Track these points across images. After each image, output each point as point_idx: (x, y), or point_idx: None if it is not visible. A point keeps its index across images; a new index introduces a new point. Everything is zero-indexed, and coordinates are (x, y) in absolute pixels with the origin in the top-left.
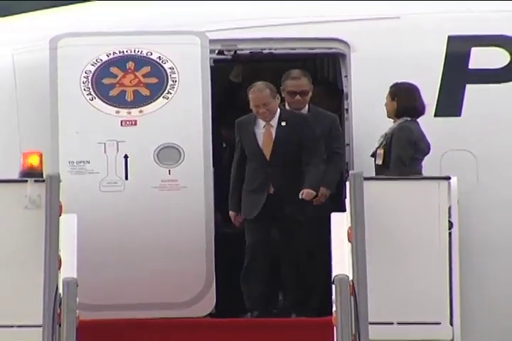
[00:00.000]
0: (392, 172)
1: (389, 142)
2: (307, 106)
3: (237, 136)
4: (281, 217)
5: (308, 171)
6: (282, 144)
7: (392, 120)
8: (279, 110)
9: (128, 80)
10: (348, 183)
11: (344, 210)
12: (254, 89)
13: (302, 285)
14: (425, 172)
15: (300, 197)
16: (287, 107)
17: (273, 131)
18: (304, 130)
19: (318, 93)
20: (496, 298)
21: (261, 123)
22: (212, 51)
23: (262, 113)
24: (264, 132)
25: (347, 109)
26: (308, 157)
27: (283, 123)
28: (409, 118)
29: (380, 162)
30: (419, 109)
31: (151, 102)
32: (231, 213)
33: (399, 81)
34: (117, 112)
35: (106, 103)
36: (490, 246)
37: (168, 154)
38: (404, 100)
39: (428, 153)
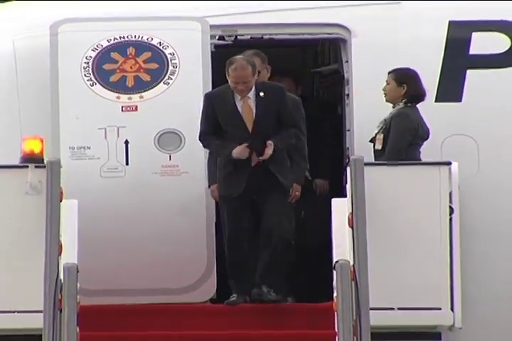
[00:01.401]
0: (386, 158)
1: (388, 127)
2: None
3: (207, 109)
4: (263, 187)
5: (294, 163)
6: (263, 114)
7: (391, 105)
8: None
9: (128, 66)
10: (348, 169)
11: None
12: (237, 67)
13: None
14: (426, 158)
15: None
16: None
17: (251, 103)
18: (283, 100)
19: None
20: (497, 283)
21: (238, 95)
22: (212, 36)
23: (240, 89)
24: (243, 104)
25: (348, 95)
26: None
27: (261, 94)
28: (409, 104)
29: (379, 147)
30: (424, 96)
31: (152, 88)
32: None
33: (399, 67)
34: (118, 98)
35: (106, 88)
36: (491, 231)
37: (169, 140)
38: (414, 87)
39: (427, 138)
